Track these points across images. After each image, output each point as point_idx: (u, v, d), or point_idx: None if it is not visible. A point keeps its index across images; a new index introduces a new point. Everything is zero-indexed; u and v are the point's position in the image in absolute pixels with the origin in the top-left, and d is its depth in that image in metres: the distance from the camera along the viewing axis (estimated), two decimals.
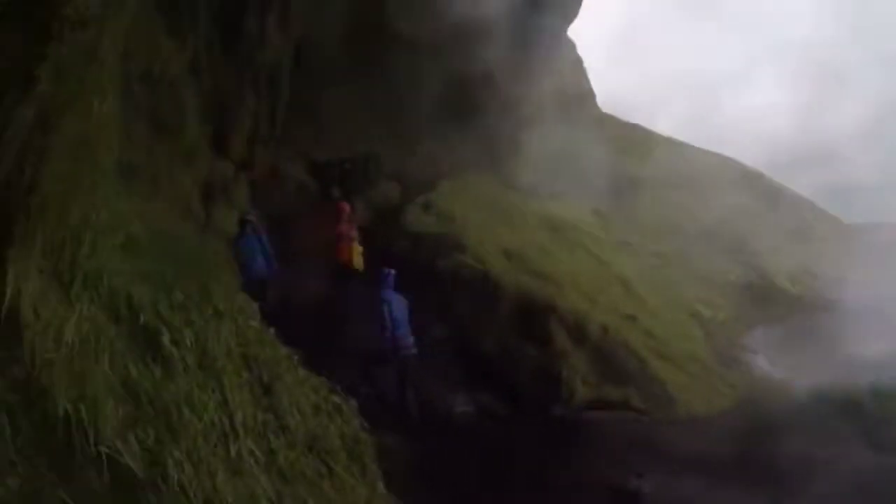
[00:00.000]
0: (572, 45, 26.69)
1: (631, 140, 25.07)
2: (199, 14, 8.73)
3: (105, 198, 4.10)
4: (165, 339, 2.96)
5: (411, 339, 7.81)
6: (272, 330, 4.26)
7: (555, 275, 11.30)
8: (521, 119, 19.17)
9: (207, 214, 9.46)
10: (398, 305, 7.89)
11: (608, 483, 5.60)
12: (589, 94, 27.00)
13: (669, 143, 26.17)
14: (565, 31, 24.48)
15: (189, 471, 2.41)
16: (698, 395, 10.66)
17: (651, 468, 5.76)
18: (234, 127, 10.70)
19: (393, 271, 8.15)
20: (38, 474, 2.18)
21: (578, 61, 26.80)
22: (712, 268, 19.08)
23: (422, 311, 8.77)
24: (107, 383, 2.54)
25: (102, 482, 2.24)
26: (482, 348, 9.37)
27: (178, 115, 8.40)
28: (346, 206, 10.30)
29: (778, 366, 14.49)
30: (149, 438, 2.44)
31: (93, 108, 3.62)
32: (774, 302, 19.50)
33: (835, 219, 27.05)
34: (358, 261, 9.75)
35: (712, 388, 11.44)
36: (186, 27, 8.35)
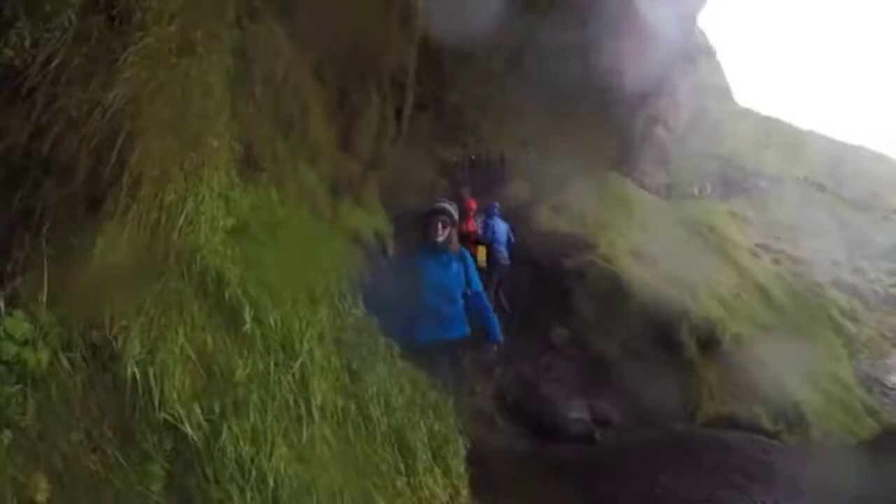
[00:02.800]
0: (704, 35, 25.48)
1: (774, 134, 23.55)
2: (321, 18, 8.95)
3: (213, 184, 4.20)
4: (247, 315, 2.93)
5: (506, 254, 10.51)
6: (376, 319, 4.20)
7: (688, 279, 10.72)
8: (655, 114, 18.45)
9: (334, 211, 9.66)
10: (500, 228, 10.69)
11: None
12: (726, 87, 25.66)
13: (817, 137, 24.42)
14: (696, 19, 23.31)
15: (249, 449, 2.34)
16: (836, 420, 9.80)
17: (767, 495, 5.23)
18: (360, 127, 10.89)
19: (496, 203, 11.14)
20: (100, 433, 2.19)
21: (712, 52, 25.52)
22: (860, 277, 17.58)
23: (546, 313, 8.56)
24: (181, 353, 2.54)
25: (162, 448, 2.26)
26: (605, 353, 8.98)
27: (303, 116, 8.61)
28: (474, 204, 10.43)
29: None
30: (214, 411, 2.40)
31: (192, 97, 3.73)
32: None
33: None
34: (481, 259, 9.81)
35: (852, 414, 10.51)
36: (307, 33, 8.58)
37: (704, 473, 6.16)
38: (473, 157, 15.92)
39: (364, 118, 11.09)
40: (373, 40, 10.76)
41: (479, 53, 14.92)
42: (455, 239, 5.31)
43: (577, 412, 8.34)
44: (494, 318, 5.41)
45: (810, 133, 25.34)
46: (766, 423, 8.54)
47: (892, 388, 13.22)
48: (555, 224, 12.63)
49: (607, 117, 17.32)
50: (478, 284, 5.47)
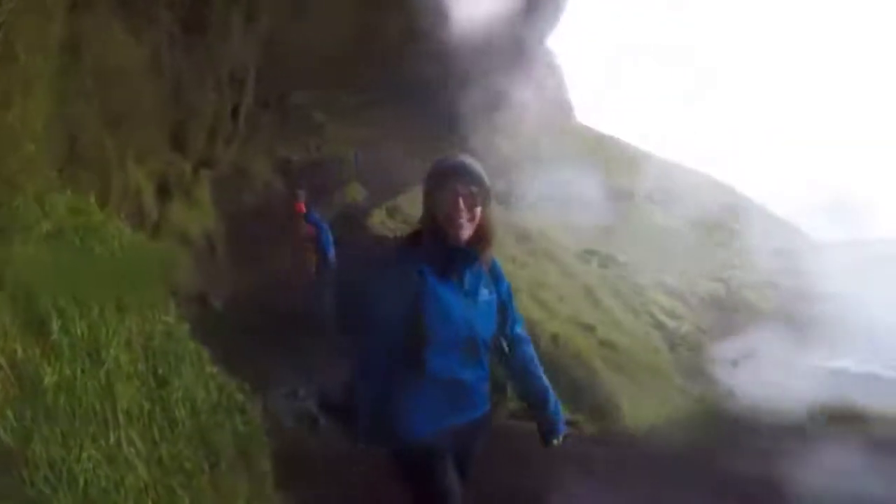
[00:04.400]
0: (552, 54, 26.98)
1: (608, 152, 25.41)
2: (159, 9, 8.83)
3: (29, 190, 4.25)
4: (55, 326, 3.11)
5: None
6: (187, 326, 4.40)
7: (513, 283, 11.48)
8: (497, 125, 19.38)
9: (161, 212, 9.56)
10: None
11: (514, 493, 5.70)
12: (568, 104, 27.27)
13: (648, 157, 26.64)
14: (546, 39, 24.72)
15: (59, 451, 2.56)
16: (651, 408, 10.82)
17: (571, 480, 5.85)
18: (194, 124, 10.77)
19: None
20: None
21: (558, 70, 27.02)
22: (681, 280, 19.34)
23: None
24: None
25: None
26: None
27: (134, 111, 8.48)
28: (302, 207, 10.50)
29: (742, 378, 14.77)
30: (26, 417, 2.59)
31: (11, 103, 3.79)
32: (741, 314, 19.90)
33: (805, 234, 27.68)
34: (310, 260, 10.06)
35: (669, 402, 11.63)
36: (145, 22, 8.44)
37: (511, 464, 6.76)
38: (313, 158, 16.06)
39: (199, 115, 10.98)
40: (213, 34, 10.66)
41: (327, 54, 15.03)
42: (490, 234, 2.81)
43: None
44: (552, 392, 3.09)
45: (646, 154, 27.62)
46: (566, 413, 9.26)
47: (709, 377, 14.85)
48: (389, 227, 13.07)
49: (448, 126, 17.95)
50: (521, 322, 3.11)
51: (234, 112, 12.21)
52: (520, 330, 3.06)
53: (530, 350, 3.09)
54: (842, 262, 21.49)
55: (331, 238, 10.42)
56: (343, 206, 13.91)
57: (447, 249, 2.73)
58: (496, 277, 2.92)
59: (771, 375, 14.30)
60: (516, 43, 18.95)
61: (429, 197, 2.76)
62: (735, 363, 16.35)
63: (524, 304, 11.26)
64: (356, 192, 14.85)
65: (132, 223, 7.36)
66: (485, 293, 2.84)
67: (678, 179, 25.03)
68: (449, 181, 2.74)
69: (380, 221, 13.41)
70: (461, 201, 2.71)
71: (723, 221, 24.05)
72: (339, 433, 7.83)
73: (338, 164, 15.57)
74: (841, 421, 9.79)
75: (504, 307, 2.94)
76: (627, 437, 9.14)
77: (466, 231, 2.72)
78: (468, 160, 2.83)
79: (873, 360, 15.23)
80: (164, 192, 9.77)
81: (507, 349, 3.00)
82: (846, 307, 17.07)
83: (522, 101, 19.76)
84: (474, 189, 2.74)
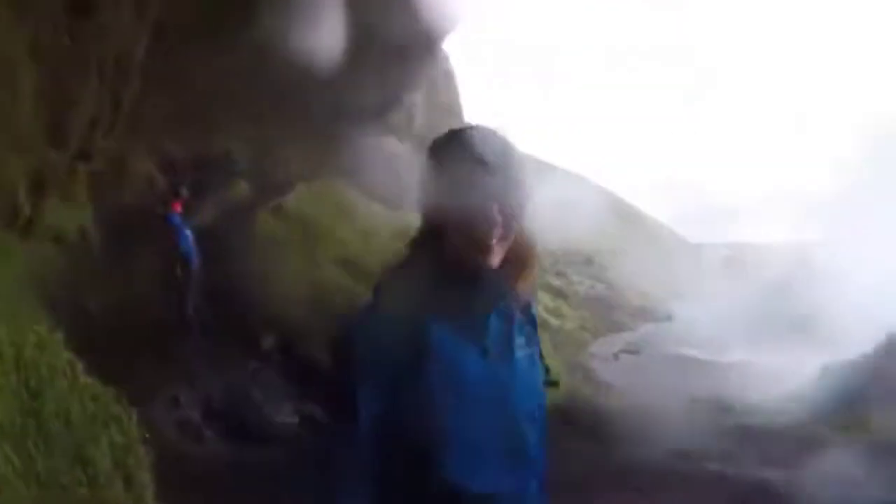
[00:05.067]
0: (445, 57, 27.24)
1: None
2: None
3: None
4: None
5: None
6: (60, 335, 4.29)
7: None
8: (388, 127, 19.44)
9: (35, 208, 9.10)
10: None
11: None
12: (459, 109, 27.63)
13: (535, 163, 27.44)
14: (441, 42, 24.94)
15: None
16: None
17: None
18: (74, 114, 10.25)
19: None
20: None
21: (450, 74, 27.34)
22: (563, 281, 20.05)
23: (254, 318, 8.87)
24: None
25: None
26: (312, 357, 9.52)
27: (13, 100, 8.06)
28: (178, 207, 10.39)
29: (622, 373, 15.48)
30: None
31: None
32: (621, 313, 20.91)
33: (681, 238, 29.28)
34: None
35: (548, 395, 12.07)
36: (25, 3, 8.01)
37: None
38: (200, 153, 15.61)
39: (79, 105, 10.44)
40: (100, 16, 10.17)
41: (223, 44, 14.58)
42: (529, 255, 1.88)
43: (286, 416, 8.84)
44: None
45: (538, 160, 28.52)
46: None
47: (591, 370, 15.50)
48: (271, 228, 12.91)
49: (340, 126, 17.82)
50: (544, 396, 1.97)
51: (117, 102, 11.67)
52: (542, 406, 1.87)
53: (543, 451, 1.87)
54: (714, 261, 22.99)
55: (191, 241, 10.32)
56: (228, 205, 13.61)
57: (465, 282, 1.70)
58: (530, 319, 1.86)
59: (651, 369, 15.10)
60: (410, 44, 19.05)
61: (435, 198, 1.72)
62: (616, 357, 17.25)
63: None
64: (242, 191, 14.56)
65: (2, 221, 7.03)
66: (521, 344, 1.78)
67: (562, 186, 26.03)
68: (476, 175, 1.67)
69: (264, 220, 13.22)
70: (495, 209, 1.69)
71: (617, 232, 25.22)
72: (226, 441, 7.81)
73: (224, 160, 15.20)
74: (710, 408, 10.53)
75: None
76: None
77: (497, 255, 1.75)
78: (503, 138, 1.75)
79: (744, 350, 16.36)
80: (38, 187, 9.29)
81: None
82: (721, 303, 18.30)
83: (412, 104, 19.95)
84: (514, 191, 1.72)
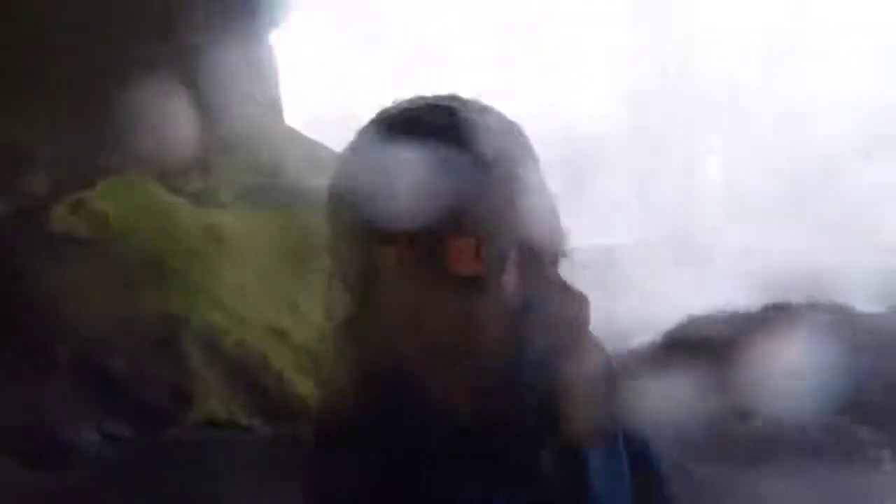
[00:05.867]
0: (271, 51, 26.54)
1: (319, 152, 25.68)
2: None
3: None
4: None
5: None
6: None
7: (200, 289, 11.30)
8: (203, 122, 18.77)
9: None
10: None
11: None
12: (279, 106, 26.98)
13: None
14: (267, 36, 24.36)
15: None
16: None
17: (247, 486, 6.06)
18: None
19: None
20: None
21: (275, 69, 26.65)
22: None
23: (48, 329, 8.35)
24: None
25: None
26: (112, 370, 9.09)
27: None
28: None
29: None
30: None
31: None
32: None
33: None
34: None
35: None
36: None
37: (195, 476, 6.84)
38: None
39: None
40: None
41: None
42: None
43: (88, 434, 8.33)
44: None
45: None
46: (245, 419, 9.46)
47: None
48: (70, 225, 12.10)
49: (146, 115, 17.01)
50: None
51: None
52: None
53: None
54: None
55: None
56: (18, 199, 12.59)
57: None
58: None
59: None
60: (233, 35, 18.47)
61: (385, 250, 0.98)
62: None
63: (208, 311, 11.18)
64: (39, 184, 13.52)
65: None
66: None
67: None
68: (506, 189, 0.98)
69: (62, 218, 12.36)
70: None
71: None
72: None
73: (16, 148, 14.05)
74: None
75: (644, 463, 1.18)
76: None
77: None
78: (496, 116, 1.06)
79: None
80: None
81: None
82: None
83: (224, 99, 19.37)
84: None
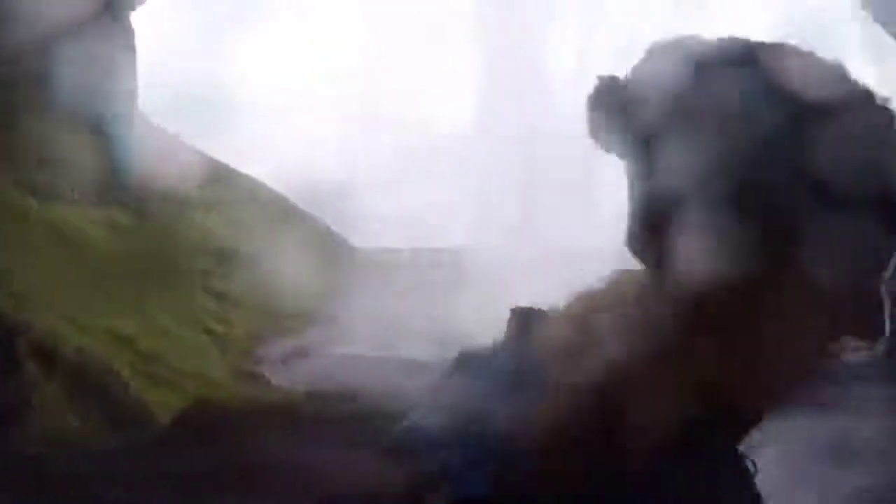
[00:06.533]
0: (131, 34, 24.85)
1: (166, 151, 24.55)
2: None
3: None
4: None
5: None
6: None
7: (37, 295, 10.56)
8: (50, 110, 17.58)
9: None
10: None
11: None
12: (131, 91, 25.46)
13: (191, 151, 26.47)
14: (127, 17, 22.95)
15: None
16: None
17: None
18: None
19: None
20: None
21: (132, 52, 25.07)
22: (230, 285, 19.71)
23: None
24: None
25: None
26: None
27: None
28: None
29: (294, 377, 15.58)
30: None
31: None
32: (286, 316, 21.04)
33: (343, 239, 30.23)
34: None
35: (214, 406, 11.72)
36: None
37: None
38: None
39: None
40: None
41: None
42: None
43: None
44: None
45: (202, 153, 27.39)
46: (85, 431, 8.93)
47: (261, 375, 15.28)
48: None
49: None
50: None
51: None
52: None
53: None
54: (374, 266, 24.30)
55: None
56: None
57: None
58: None
59: (319, 370, 15.52)
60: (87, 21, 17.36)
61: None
62: (285, 362, 17.33)
63: (45, 315, 10.46)
64: None
65: None
66: None
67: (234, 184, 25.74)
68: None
69: None
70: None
71: (274, 230, 25.50)
72: None
73: None
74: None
75: None
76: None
77: None
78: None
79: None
80: None
81: None
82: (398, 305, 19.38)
83: (74, 86, 18.18)
84: None
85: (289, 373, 15.96)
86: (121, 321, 12.53)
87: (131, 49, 25.48)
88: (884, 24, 15.43)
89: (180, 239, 20.50)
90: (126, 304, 13.51)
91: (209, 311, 17.18)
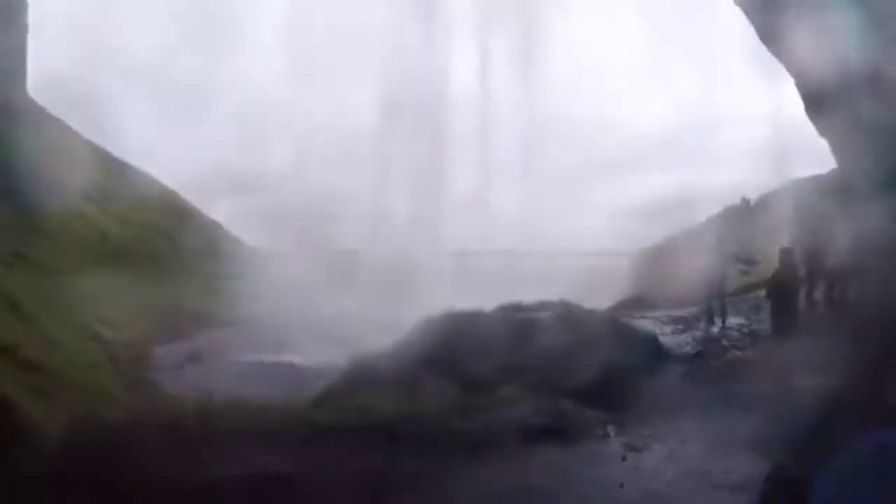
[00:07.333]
0: (24, 10, 23.11)
1: (63, 140, 23.20)
2: None
3: None
4: None
5: None
6: None
7: None
8: None
9: None
10: None
11: None
12: (19, 73, 23.66)
13: (95, 149, 25.22)
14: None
15: None
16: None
17: None
18: None
19: None
20: None
21: (24, 30, 23.33)
22: (119, 286, 18.82)
23: None
24: None
25: None
26: None
27: None
28: None
29: (189, 383, 14.97)
30: None
31: None
32: (180, 319, 20.26)
33: (239, 241, 29.63)
34: None
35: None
36: None
37: None
38: None
39: None
40: None
41: None
42: None
43: None
44: None
45: (94, 146, 26.27)
46: None
47: (152, 382, 14.60)
48: None
49: None
50: None
51: None
52: None
53: None
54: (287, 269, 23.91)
55: None
56: None
57: None
58: None
59: (217, 376, 15.01)
60: None
61: None
62: (181, 367, 16.68)
63: None
64: None
65: None
66: None
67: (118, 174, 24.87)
68: None
69: None
70: None
71: (167, 228, 24.77)
72: None
73: None
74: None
75: None
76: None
77: None
78: None
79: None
80: None
81: None
82: (292, 308, 19.09)
83: None
84: None
85: (182, 379, 15.40)
86: (4, 329, 11.73)
87: (23, 28, 23.82)
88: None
89: (67, 236, 19.46)
90: (9, 311, 12.70)
91: (98, 316, 16.25)
